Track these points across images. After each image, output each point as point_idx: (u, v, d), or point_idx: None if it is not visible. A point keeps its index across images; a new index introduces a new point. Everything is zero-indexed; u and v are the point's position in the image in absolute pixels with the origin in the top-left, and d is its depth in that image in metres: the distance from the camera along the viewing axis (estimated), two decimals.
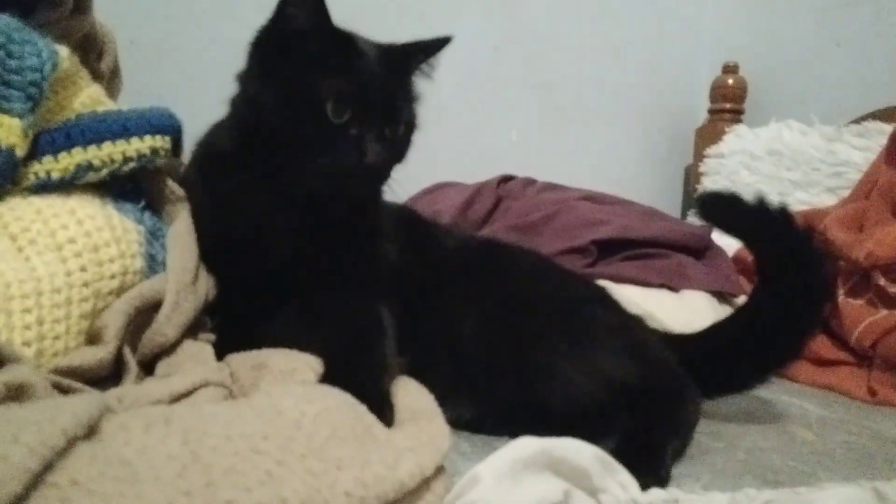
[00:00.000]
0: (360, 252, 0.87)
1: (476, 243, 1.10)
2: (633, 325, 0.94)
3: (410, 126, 0.90)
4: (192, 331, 0.78)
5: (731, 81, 2.35)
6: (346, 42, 0.85)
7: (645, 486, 0.59)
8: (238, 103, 0.88)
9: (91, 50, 0.91)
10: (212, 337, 0.81)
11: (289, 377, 0.66)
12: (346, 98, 0.81)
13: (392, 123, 0.86)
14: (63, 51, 0.74)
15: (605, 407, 0.78)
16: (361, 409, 0.56)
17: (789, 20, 2.32)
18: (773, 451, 0.84)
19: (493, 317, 0.87)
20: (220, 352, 0.77)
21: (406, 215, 1.07)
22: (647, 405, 0.78)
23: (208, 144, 0.91)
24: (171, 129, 0.83)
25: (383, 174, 0.88)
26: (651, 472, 0.63)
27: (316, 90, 0.80)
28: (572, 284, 1.01)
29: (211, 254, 0.82)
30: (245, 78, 0.87)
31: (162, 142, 0.80)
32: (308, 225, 0.84)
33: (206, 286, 0.81)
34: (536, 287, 0.92)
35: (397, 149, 0.89)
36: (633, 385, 0.80)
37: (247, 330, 0.81)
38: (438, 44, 0.94)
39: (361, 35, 0.90)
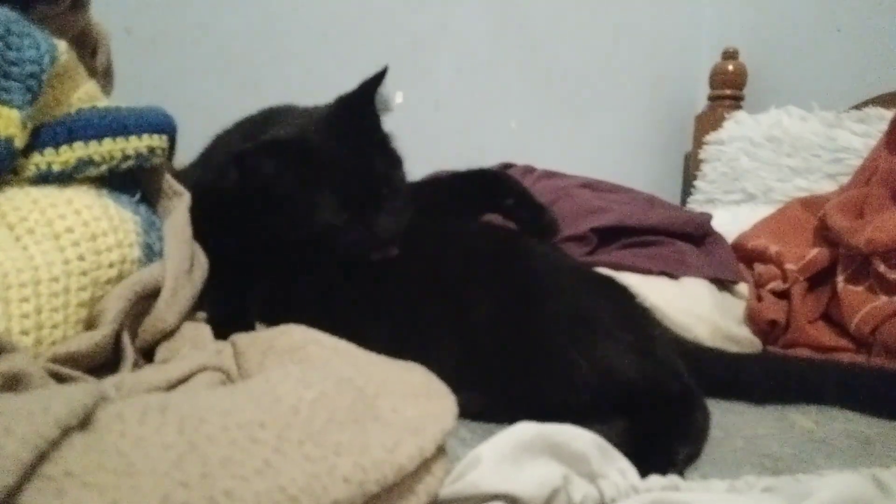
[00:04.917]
0: None
1: (488, 230, 1.10)
2: (644, 324, 0.93)
3: (399, 173, 0.97)
4: (187, 316, 0.79)
5: (730, 67, 2.34)
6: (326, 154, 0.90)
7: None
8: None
9: (86, 46, 0.92)
10: (204, 315, 0.83)
11: (292, 355, 0.66)
12: (340, 207, 0.88)
13: (388, 192, 0.92)
14: (62, 45, 0.75)
15: (607, 402, 0.78)
16: (361, 385, 0.55)
17: (789, 6, 2.31)
18: (772, 439, 0.84)
19: (505, 306, 0.87)
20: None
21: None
22: (655, 408, 0.77)
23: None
24: (168, 128, 0.83)
25: (401, 224, 0.93)
26: (660, 473, 0.63)
27: (311, 212, 0.88)
28: (587, 279, 1.01)
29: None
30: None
31: (159, 141, 0.81)
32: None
33: (200, 275, 0.81)
34: (550, 278, 0.92)
35: (399, 198, 0.94)
36: (638, 384, 0.80)
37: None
38: (377, 79, 0.94)
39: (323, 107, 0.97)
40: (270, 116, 1.01)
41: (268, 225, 0.88)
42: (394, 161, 0.97)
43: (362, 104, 0.95)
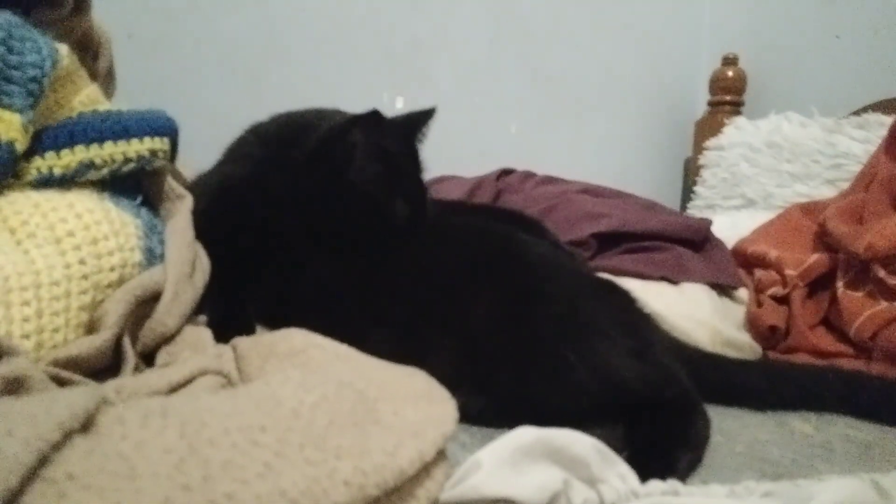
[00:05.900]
0: None
1: (487, 233, 1.10)
2: (644, 329, 0.93)
3: None
4: (188, 319, 0.79)
5: (730, 73, 2.34)
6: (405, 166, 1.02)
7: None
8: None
9: (88, 50, 0.92)
10: (206, 318, 0.83)
11: (293, 359, 0.66)
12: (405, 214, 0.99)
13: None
14: (63, 49, 0.75)
15: (606, 406, 0.78)
16: (362, 388, 0.55)
17: (789, 12, 2.32)
18: (772, 444, 0.84)
19: (503, 309, 0.87)
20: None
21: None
22: (654, 413, 0.77)
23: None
24: (170, 131, 0.84)
25: None
26: (661, 478, 0.63)
27: (389, 199, 0.98)
28: (586, 282, 1.01)
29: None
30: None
31: (160, 143, 0.81)
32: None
33: (202, 279, 0.81)
34: (549, 282, 0.92)
35: None
36: (637, 388, 0.80)
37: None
38: (428, 115, 1.07)
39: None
40: (313, 115, 1.05)
41: (331, 204, 0.94)
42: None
43: (412, 130, 1.06)
